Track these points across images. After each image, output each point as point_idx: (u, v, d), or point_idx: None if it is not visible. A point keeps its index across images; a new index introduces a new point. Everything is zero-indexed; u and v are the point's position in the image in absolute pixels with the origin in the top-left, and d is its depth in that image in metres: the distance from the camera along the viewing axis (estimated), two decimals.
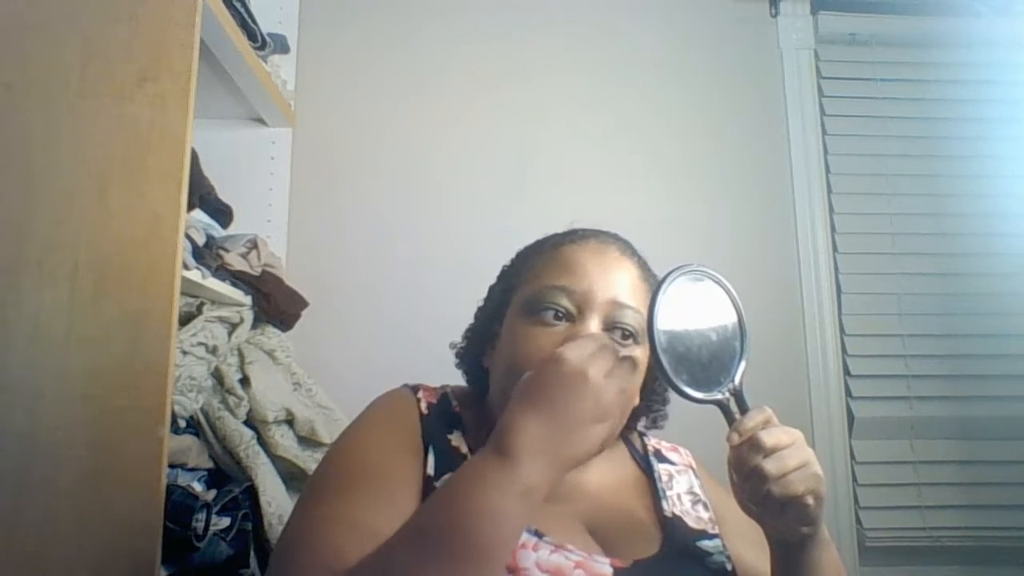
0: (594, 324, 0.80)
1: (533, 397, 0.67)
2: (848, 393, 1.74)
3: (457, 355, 0.97)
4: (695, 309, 0.73)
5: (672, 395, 0.90)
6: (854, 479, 1.70)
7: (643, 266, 0.89)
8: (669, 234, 1.72)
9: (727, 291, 0.76)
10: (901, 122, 1.86)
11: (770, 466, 0.67)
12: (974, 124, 1.86)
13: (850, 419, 1.73)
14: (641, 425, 0.95)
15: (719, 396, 0.72)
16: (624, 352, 0.79)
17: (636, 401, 0.85)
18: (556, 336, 0.80)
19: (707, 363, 0.72)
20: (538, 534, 0.75)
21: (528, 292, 0.85)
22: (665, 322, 0.70)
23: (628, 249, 0.89)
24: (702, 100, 1.84)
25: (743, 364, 0.74)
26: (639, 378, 0.83)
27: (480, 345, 0.92)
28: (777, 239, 1.79)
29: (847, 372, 1.75)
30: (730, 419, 0.71)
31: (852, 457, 1.71)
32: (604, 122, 1.81)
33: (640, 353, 0.82)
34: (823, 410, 1.72)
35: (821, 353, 1.74)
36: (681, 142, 1.81)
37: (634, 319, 0.82)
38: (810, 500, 0.68)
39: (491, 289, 0.96)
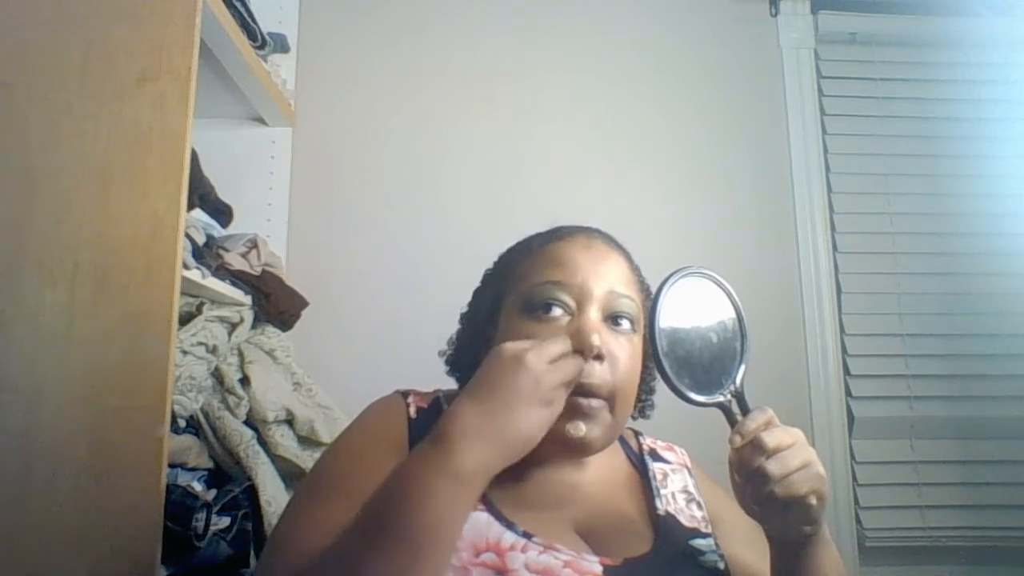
0: (594, 315, 0.80)
1: (472, 386, 0.70)
2: (848, 393, 1.74)
3: (447, 362, 0.96)
4: (695, 311, 0.74)
5: (669, 393, 0.91)
6: (854, 479, 1.70)
7: (630, 258, 0.90)
8: (669, 234, 1.73)
9: (727, 292, 0.76)
10: (901, 122, 1.86)
11: (773, 467, 0.67)
12: (974, 124, 1.86)
13: (850, 419, 1.73)
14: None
15: (721, 398, 0.72)
16: (622, 339, 0.80)
17: (634, 391, 0.85)
18: (558, 329, 0.80)
19: (708, 365, 0.73)
20: (527, 535, 0.75)
21: (523, 290, 0.84)
22: (666, 325, 0.71)
23: (614, 242, 0.90)
24: (702, 99, 1.84)
25: (744, 365, 0.74)
26: (637, 366, 0.84)
27: (474, 349, 0.91)
28: (777, 239, 1.79)
29: (847, 372, 1.75)
30: (732, 421, 0.71)
31: (852, 457, 1.71)
32: (604, 121, 1.81)
33: (638, 341, 0.83)
34: (823, 410, 1.72)
35: (821, 353, 1.74)
36: (681, 141, 1.81)
37: (630, 307, 0.82)
38: (813, 500, 0.68)
39: (477, 294, 0.95)
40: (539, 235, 0.91)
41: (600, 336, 0.78)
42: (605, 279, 0.83)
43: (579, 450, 0.79)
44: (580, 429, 0.76)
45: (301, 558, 0.68)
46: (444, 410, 0.71)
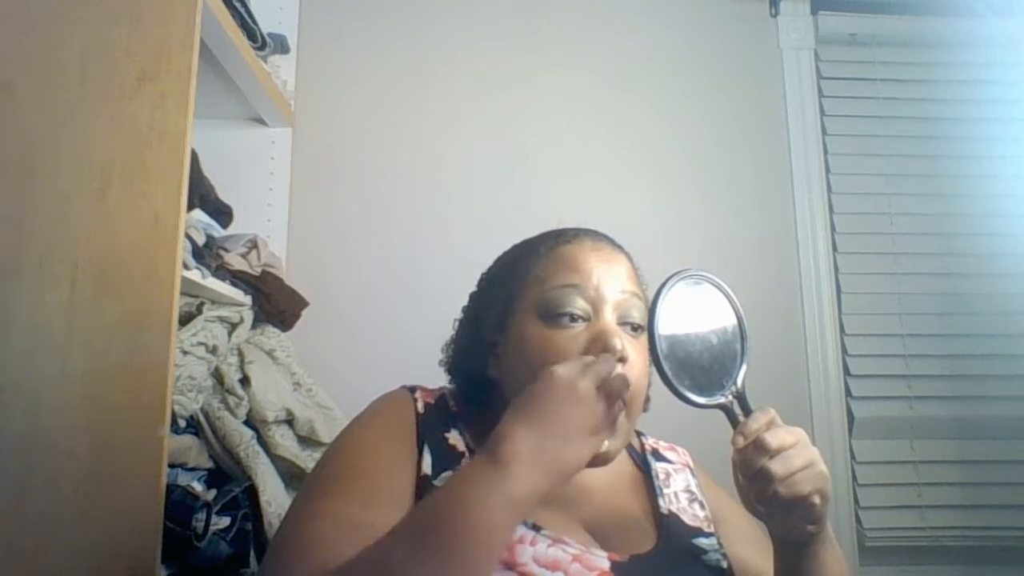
0: (610, 318, 0.81)
1: (526, 409, 0.68)
2: (848, 393, 1.74)
3: (449, 370, 0.95)
4: (694, 314, 0.74)
5: (671, 395, 0.90)
6: (854, 479, 1.70)
7: (631, 258, 0.90)
8: (669, 234, 1.73)
9: (726, 294, 0.76)
10: (901, 122, 1.86)
11: (776, 467, 0.67)
12: (974, 124, 1.86)
13: (850, 419, 1.73)
14: None
15: (722, 400, 0.73)
16: (634, 341, 0.81)
17: (644, 394, 0.85)
18: (578, 337, 0.80)
19: (708, 367, 0.73)
20: (535, 528, 0.76)
21: (538, 296, 0.83)
22: (666, 328, 0.71)
23: (615, 244, 0.90)
24: (702, 100, 1.84)
25: (744, 366, 0.74)
26: (648, 367, 0.83)
27: (479, 356, 0.90)
28: (777, 239, 1.79)
29: (847, 372, 1.75)
30: (734, 422, 0.71)
31: (852, 457, 1.71)
32: (604, 122, 1.81)
33: (644, 340, 0.82)
34: (823, 410, 1.72)
35: (821, 353, 1.74)
36: (681, 142, 1.81)
37: (641, 310, 0.83)
38: (816, 499, 0.68)
39: (480, 298, 0.94)
40: (542, 236, 0.90)
41: (621, 340, 0.78)
42: (617, 282, 0.83)
43: (599, 463, 0.77)
44: (603, 444, 0.74)
45: (326, 552, 0.68)
46: (496, 430, 0.69)
